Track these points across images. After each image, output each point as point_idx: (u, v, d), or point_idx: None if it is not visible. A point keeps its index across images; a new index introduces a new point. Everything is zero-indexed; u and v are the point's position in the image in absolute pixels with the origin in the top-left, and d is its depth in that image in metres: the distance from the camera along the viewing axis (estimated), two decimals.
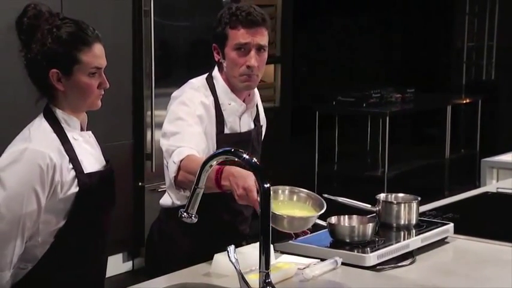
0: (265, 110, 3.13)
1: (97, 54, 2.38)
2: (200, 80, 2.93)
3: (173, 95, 2.90)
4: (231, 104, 2.88)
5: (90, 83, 2.38)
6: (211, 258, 2.57)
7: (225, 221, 2.90)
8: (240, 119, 2.92)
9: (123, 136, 5.53)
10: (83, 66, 2.35)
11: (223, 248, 2.61)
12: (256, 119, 3.02)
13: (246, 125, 2.94)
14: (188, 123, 2.77)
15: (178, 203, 2.85)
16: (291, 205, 2.52)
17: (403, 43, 10.71)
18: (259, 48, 2.82)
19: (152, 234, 3.02)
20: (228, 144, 2.77)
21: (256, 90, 3.00)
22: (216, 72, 2.92)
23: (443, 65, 10.25)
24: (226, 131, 2.88)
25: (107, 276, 3.37)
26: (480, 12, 10.12)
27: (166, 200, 2.92)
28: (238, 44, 2.79)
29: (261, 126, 3.07)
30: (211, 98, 2.87)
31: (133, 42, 5.56)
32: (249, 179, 2.41)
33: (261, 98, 3.08)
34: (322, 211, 2.46)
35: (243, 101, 2.92)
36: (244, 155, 2.19)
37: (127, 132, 5.59)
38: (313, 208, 2.51)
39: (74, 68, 2.35)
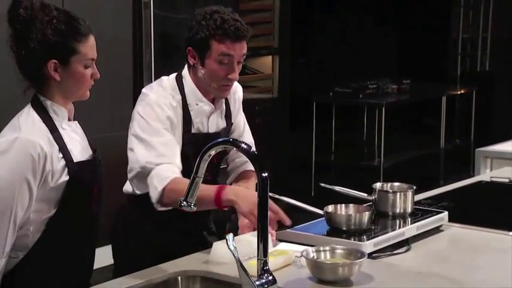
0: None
1: (92, 46, 2.41)
2: (171, 80, 2.90)
3: (143, 90, 2.89)
4: (198, 104, 2.87)
5: (85, 73, 2.40)
6: (175, 242, 2.74)
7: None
8: (208, 118, 2.91)
9: (122, 127, 5.53)
10: (80, 56, 2.37)
11: (185, 235, 2.85)
12: (228, 117, 3.02)
13: (214, 125, 2.94)
14: (158, 130, 2.77)
15: (138, 192, 2.84)
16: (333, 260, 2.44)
17: (399, 35, 10.72)
18: (239, 60, 2.82)
19: (117, 221, 3.05)
20: (194, 143, 2.82)
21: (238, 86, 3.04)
22: (185, 72, 2.89)
23: (438, 57, 10.25)
24: (193, 130, 2.88)
25: (103, 266, 3.38)
26: (475, 4, 10.13)
27: (128, 187, 2.91)
28: (222, 58, 2.76)
29: (232, 124, 3.05)
30: (179, 97, 2.86)
31: (133, 34, 5.56)
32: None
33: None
34: (365, 258, 2.39)
35: (212, 102, 2.91)
36: (243, 145, 2.20)
37: (127, 122, 5.59)
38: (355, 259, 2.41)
39: (71, 58, 2.36)
